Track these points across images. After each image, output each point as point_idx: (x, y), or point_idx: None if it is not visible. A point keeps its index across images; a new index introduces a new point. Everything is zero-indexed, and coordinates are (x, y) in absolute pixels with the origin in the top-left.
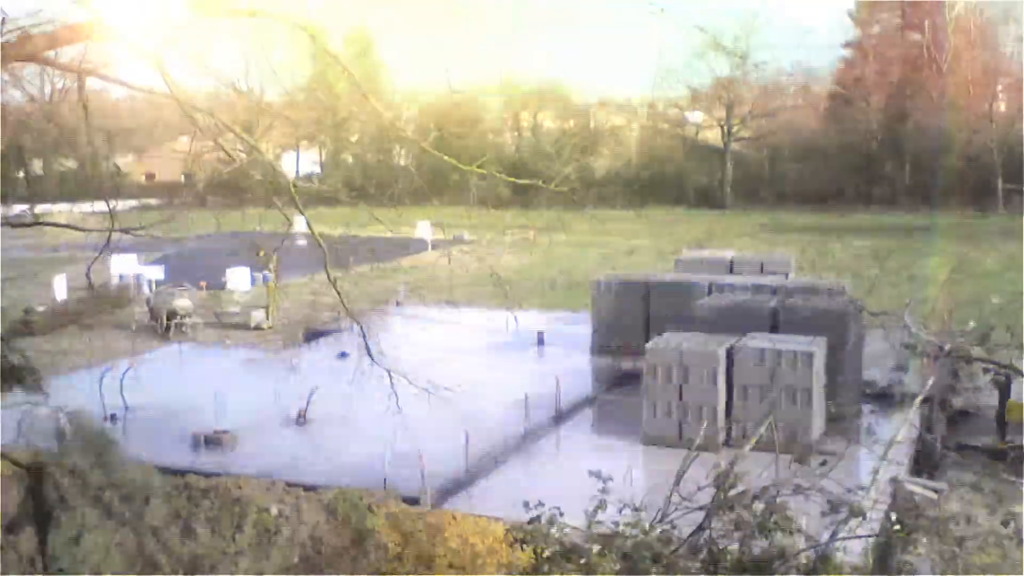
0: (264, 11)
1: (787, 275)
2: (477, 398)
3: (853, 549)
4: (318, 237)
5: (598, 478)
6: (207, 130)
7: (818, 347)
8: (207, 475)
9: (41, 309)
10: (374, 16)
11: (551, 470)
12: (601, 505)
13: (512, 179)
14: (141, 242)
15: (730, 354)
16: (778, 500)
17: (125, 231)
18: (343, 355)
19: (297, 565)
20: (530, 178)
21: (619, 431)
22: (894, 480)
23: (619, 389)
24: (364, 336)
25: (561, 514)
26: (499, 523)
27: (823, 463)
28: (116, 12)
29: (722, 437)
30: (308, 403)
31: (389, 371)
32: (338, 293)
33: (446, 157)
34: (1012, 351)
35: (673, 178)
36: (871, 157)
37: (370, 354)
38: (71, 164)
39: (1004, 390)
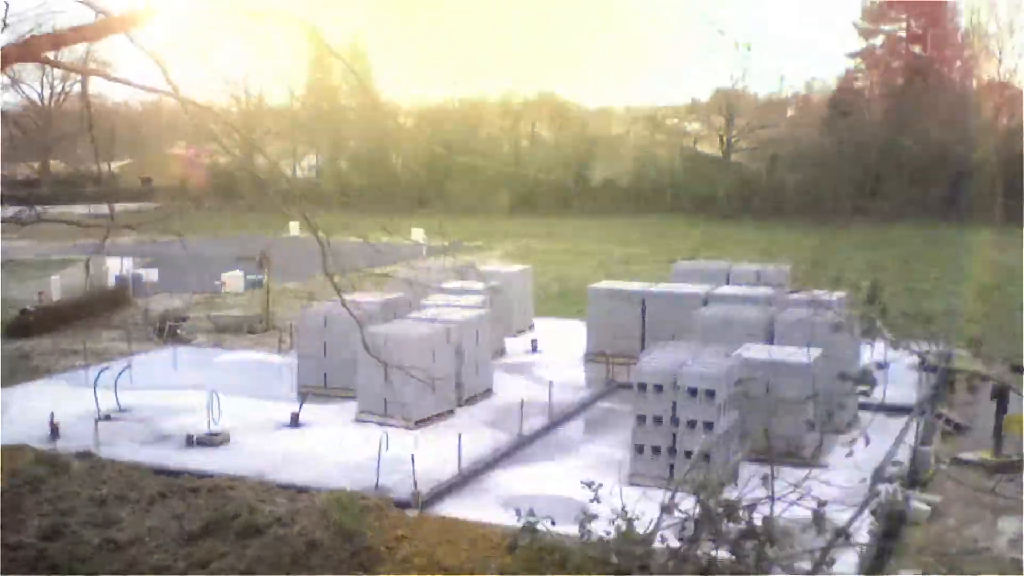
0: (265, 11)
1: (783, 286)
2: (471, 403)
3: (845, 560)
4: (318, 237)
5: (589, 487)
6: (209, 132)
7: (813, 358)
8: (200, 476)
9: (36, 309)
10: (373, 23)
11: (542, 476)
12: (589, 518)
13: (513, 176)
14: (137, 244)
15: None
16: (766, 511)
17: (124, 227)
18: None
19: (288, 567)
20: (529, 184)
21: (611, 440)
22: (888, 493)
23: (613, 397)
24: (363, 336)
25: (553, 523)
26: (491, 528)
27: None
28: (120, 13)
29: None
30: (301, 406)
31: (386, 365)
32: (337, 291)
33: (452, 154)
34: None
35: (671, 187)
36: (871, 168)
37: (366, 348)
38: (63, 166)
39: (1002, 403)
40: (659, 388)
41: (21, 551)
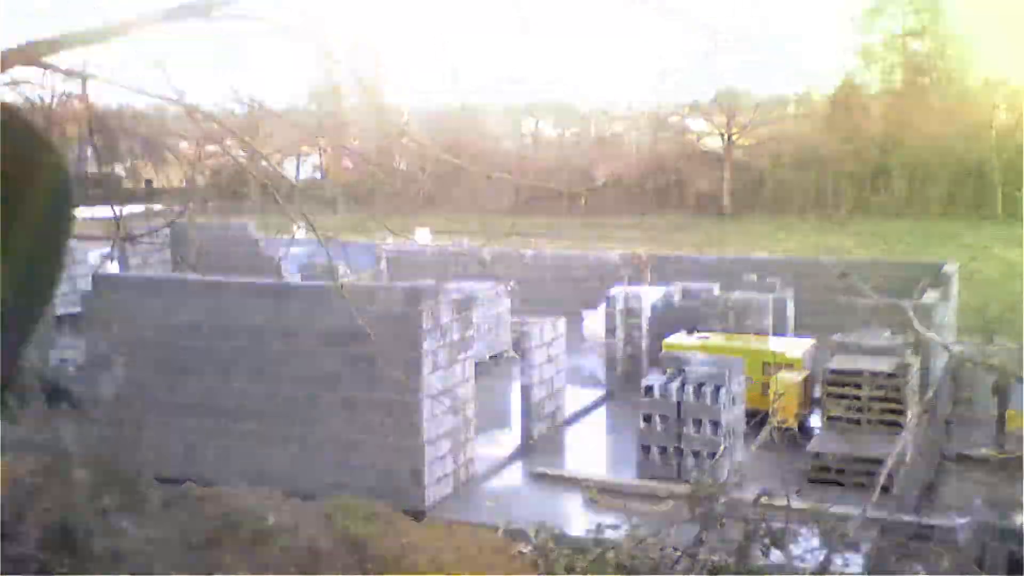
0: (267, 17)
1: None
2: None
3: (851, 560)
4: (324, 245)
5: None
6: (210, 135)
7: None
8: (206, 484)
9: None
10: (377, 22)
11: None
12: (600, 530)
13: (520, 181)
14: (141, 248)
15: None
16: (770, 511)
17: (130, 239)
18: None
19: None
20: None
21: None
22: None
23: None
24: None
25: (565, 534)
26: (498, 533)
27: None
28: (120, 16)
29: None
30: None
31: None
32: (344, 298)
33: (454, 160)
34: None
35: (674, 185)
36: (871, 164)
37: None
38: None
39: (1003, 398)
40: (664, 385)
41: (22, 563)
